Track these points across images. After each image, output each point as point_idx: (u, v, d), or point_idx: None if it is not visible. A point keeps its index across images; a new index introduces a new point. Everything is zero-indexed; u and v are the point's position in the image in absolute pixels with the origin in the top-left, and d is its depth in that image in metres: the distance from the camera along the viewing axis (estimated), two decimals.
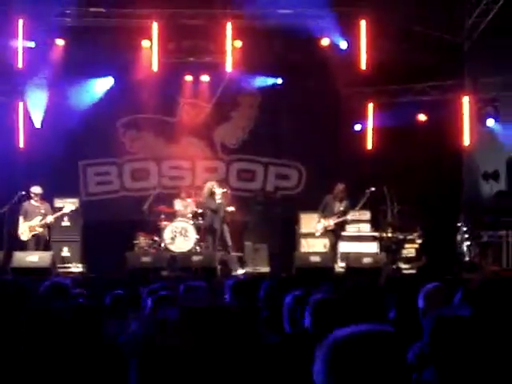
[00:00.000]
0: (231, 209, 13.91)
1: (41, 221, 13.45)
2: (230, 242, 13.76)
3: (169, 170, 16.50)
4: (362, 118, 15.77)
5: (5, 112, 15.03)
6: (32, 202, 13.50)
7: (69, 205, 13.96)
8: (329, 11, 14.37)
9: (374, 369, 1.89)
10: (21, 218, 13.39)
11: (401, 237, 13.80)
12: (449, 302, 4.43)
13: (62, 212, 13.80)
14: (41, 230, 13.48)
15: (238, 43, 14.88)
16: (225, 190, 14.04)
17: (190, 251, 13.83)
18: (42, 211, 13.49)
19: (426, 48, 14.56)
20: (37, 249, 13.38)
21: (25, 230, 13.38)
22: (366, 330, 1.96)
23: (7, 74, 14.55)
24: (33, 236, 13.43)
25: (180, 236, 14.07)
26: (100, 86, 15.70)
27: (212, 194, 13.81)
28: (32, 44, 14.45)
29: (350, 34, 14.71)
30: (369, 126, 15.72)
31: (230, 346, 1.72)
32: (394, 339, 1.96)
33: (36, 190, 13.50)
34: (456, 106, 14.91)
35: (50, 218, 13.53)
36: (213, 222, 13.75)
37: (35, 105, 15.20)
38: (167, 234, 14.07)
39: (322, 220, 13.69)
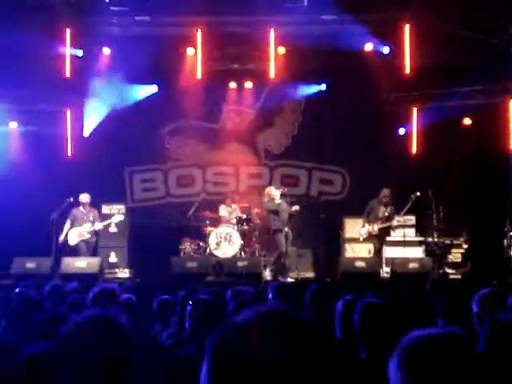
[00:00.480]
0: (295, 208, 13.72)
1: (90, 227, 13.69)
2: (287, 247, 13.68)
3: (213, 176, 16.64)
4: (406, 123, 15.71)
5: (53, 120, 15.29)
6: (81, 208, 13.75)
7: (117, 215, 14.14)
8: (373, 16, 14.36)
9: (451, 371, 1.88)
10: (68, 224, 13.62)
11: (447, 241, 13.71)
12: (503, 306, 4.42)
13: (110, 221, 14.01)
14: (89, 236, 13.72)
15: (282, 50, 14.96)
16: (282, 190, 13.97)
17: (234, 256, 13.92)
18: (91, 218, 13.73)
19: (471, 51, 14.44)
20: (85, 254, 13.60)
21: (73, 235, 13.63)
22: (440, 333, 1.94)
23: (55, 82, 14.79)
24: (81, 241, 13.66)
25: (225, 241, 14.17)
26: (145, 94, 15.89)
27: (271, 196, 13.80)
28: (80, 52, 14.71)
29: (394, 38, 14.68)
30: (413, 131, 15.64)
31: (314, 354, 1.69)
32: (467, 342, 1.95)
33: (84, 197, 13.74)
34: (502, 110, 14.76)
35: (98, 226, 13.76)
36: (275, 223, 13.70)
37: (90, 113, 15.49)
38: (212, 240, 14.17)
39: (367, 225, 13.67)
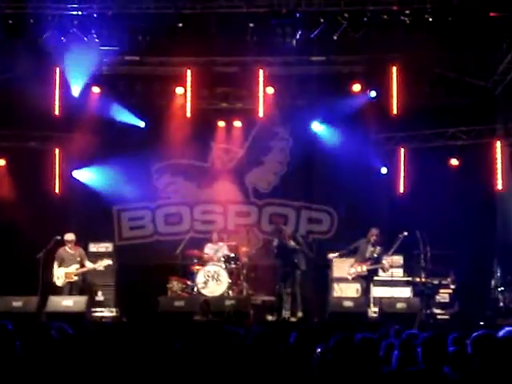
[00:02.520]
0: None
1: (77, 269, 13.57)
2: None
3: (201, 214, 16.64)
4: (394, 163, 15.81)
5: (41, 158, 15.31)
6: (67, 248, 13.64)
7: (105, 259, 14.01)
8: (360, 57, 14.55)
9: None
10: (55, 264, 13.54)
11: (435, 282, 13.71)
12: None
13: (98, 265, 13.81)
14: (77, 278, 13.61)
15: (270, 90, 15.09)
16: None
17: (222, 295, 13.86)
18: (78, 259, 13.63)
19: (458, 93, 14.64)
20: (71, 294, 13.47)
21: (61, 276, 13.52)
22: None
23: (44, 121, 14.84)
24: (68, 282, 13.55)
25: (213, 280, 14.13)
26: (135, 132, 15.90)
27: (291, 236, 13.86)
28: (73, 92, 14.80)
29: (382, 79, 14.85)
30: (401, 171, 15.75)
31: None
32: None
33: (70, 236, 13.66)
34: (488, 151, 14.91)
35: (88, 266, 13.62)
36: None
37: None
38: (200, 278, 14.13)
39: (356, 265, 13.67)
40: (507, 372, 4.54)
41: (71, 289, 13.57)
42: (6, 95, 13.98)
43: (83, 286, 13.88)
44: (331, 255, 14.24)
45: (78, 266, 13.58)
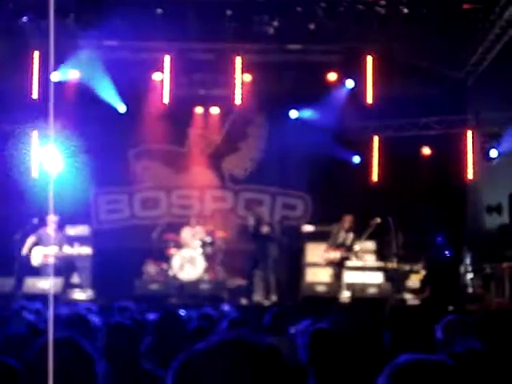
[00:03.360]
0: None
1: (56, 251, 13.65)
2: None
3: (178, 199, 16.82)
4: (367, 151, 16.08)
5: (19, 141, 15.35)
6: (47, 230, 13.73)
7: (84, 247, 14.05)
8: (336, 47, 14.78)
9: None
10: (31, 240, 13.56)
11: (406, 268, 14.01)
12: (466, 333, 4.68)
13: (78, 252, 13.83)
14: (52, 260, 13.67)
15: (248, 77, 15.27)
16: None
17: (198, 279, 14.06)
18: (57, 241, 13.72)
19: (431, 83, 14.89)
20: (47, 275, 13.55)
21: (38, 255, 13.60)
22: (428, 359, 2.02)
23: (23, 104, 14.90)
24: (45, 264, 13.63)
25: (188, 264, 14.31)
26: (112, 116, 15.98)
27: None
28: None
29: (357, 68, 15.09)
30: (375, 159, 16.02)
31: None
32: (455, 371, 2.02)
33: (53, 218, 13.73)
34: (460, 140, 15.23)
35: (66, 251, 13.70)
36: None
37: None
38: (176, 262, 14.30)
39: (330, 251, 13.91)
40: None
41: (47, 270, 13.63)
42: None
43: (60, 267, 13.97)
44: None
45: (56, 248, 13.66)
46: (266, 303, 13.41)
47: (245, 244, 14.74)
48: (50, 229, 13.70)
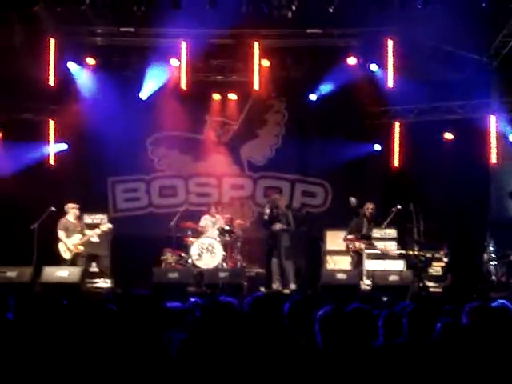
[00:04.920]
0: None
1: (81, 239, 13.56)
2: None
3: (196, 186, 16.67)
4: (388, 137, 15.83)
5: (35, 129, 15.26)
6: (69, 218, 13.64)
7: (106, 223, 14.04)
8: (356, 30, 14.50)
9: None
10: (61, 234, 13.44)
11: (428, 255, 13.76)
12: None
13: (102, 230, 13.76)
14: (82, 248, 13.59)
15: (266, 62, 15.04)
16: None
17: (216, 267, 13.93)
18: (79, 228, 13.63)
19: (453, 67, 14.59)
20: (75, 264, 13.41)
21: (68, 248, 13.50)
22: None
23: (38, 92, 14.79)
24: (76, 254, 13.51)
25: (207, 252, 14.17)
26: (128, 104, 15.83)
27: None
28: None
29: (377, 52, 14.82)
30: (396, 145, 15.77)
31: None
32: None
33: (75, 206, 13.65)
34: (483, 125, 14.92)
35: (91, 235, 13.61)
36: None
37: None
38: (194, 250, 14.18)
39: (355, 241, 13.74)
40: (500, 342, 4.60)
41: (75, 259, 13.52)
42: (0, 66, 13.92)
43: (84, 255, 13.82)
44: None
45: (80, 235, 13.57)
46: (286, 291, 13.24)
47: (263, 232, 14.55)
48: (71, 216, 13.61)
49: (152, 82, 15.50)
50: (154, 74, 15.37)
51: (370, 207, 13.78)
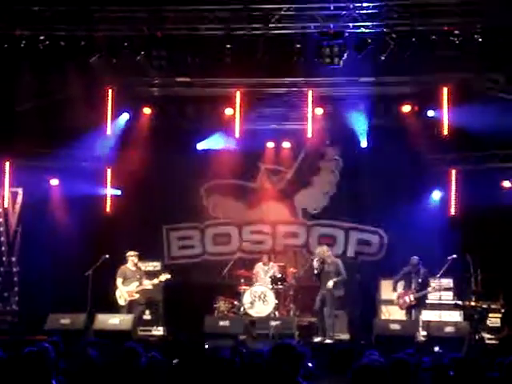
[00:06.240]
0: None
1: (137, 286, 13.69)
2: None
3: (249, 234, 16.67)
4: (444, 185, 15.59)
5: (92, 178, 15.51)
6: (128, 266, 13.82)
7: (164, 274, 14.10)
8: (409, 78, 14.42)
9: None
10: (119, 281, 13.67)
11: (484, 306, 13.41)
12: None
13: (159, 280, 13.91)
14: (137, 296, 13.72)
15: (319, 110, 15.05)
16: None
17: (268, 316, 13.81)
18: (138, 276, 13.78)
19: (509, 113, 14.32)
20: (130, 312, 13.51)
21: (123, 295, 13.65)
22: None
23: (97, 140, 15.08)
24: (131, 301, 13.67)
25: (259, 300, 14.10)
26: (183, 152, 16.00)
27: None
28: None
29: (432, 99, 14.68)
30: (452, 192, 15.51)
31: None
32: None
33: (134, 254, 13.83)
34: None
35: (147, 285, 13.75)
36: None
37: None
38: (247, 299, 14.12)
39: (404, 295, 13.49)
40: None
41: (131, 307, 13.65)
42: (58, 116, 14.27)
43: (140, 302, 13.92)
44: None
45: (137, 283, 13.70)
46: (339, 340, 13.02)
47: (316, 281, 14.39)
48: (130, 264, 13.76)
49: (212, 142, 15.73)
50: (215, 138, 15.66)
51: (413, 263, 13.52)
